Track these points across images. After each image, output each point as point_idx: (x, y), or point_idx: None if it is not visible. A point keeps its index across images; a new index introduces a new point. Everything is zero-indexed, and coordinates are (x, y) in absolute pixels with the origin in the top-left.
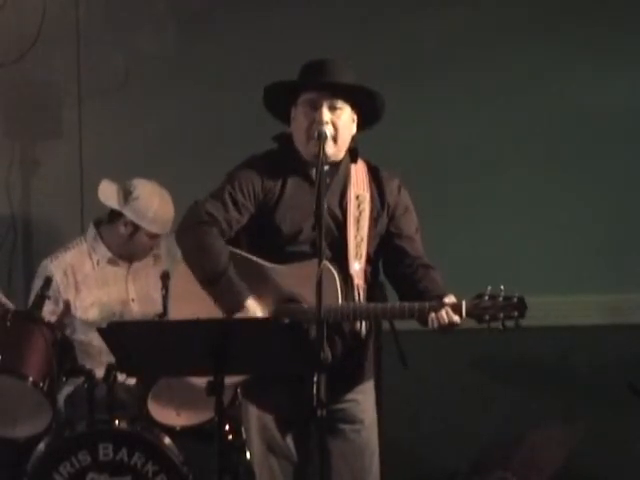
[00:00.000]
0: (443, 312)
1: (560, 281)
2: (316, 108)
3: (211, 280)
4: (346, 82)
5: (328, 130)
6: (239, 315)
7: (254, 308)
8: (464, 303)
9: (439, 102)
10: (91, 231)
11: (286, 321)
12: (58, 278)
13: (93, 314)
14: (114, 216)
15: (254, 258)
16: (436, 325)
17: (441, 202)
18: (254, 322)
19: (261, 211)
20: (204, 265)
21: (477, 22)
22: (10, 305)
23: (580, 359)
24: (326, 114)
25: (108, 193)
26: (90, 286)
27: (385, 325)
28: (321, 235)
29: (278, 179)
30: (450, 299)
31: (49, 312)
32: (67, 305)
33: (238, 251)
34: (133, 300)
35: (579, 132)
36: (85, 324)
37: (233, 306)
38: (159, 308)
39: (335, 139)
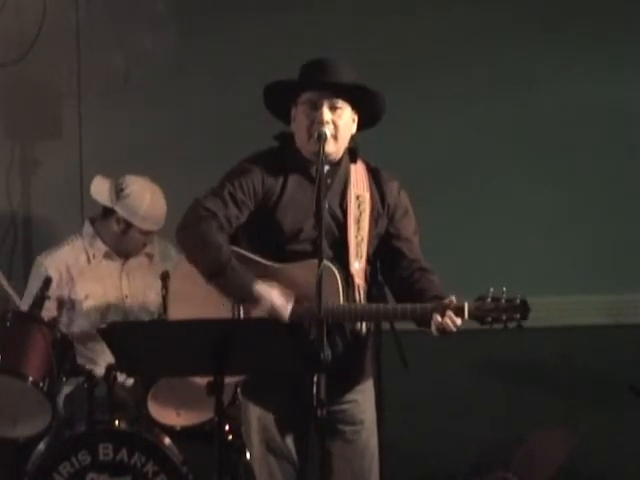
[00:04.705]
0: (447, 319)
1: (560, 281)
2: (317, 108)
3: (216, 273)
4: (347, 81)
5: (328, 130)
6: (255, 299)
7: (266, 292)
8: (466, 305)
9: (438, 102)
10: (87, 228)
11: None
12: (51, 274)
13: (88, 306)
14: (107, 212)
15: (254, 257)
16: (440, 331)
17: (440, 202)
18: (254, 322)
19: (261, 209)
20: (207, 259)
21: (477, 22)
22: (14, 296)
23: (580, 359)
24: (327, 114)
25: (100, 190)
26: (86, 279)
27: (385, 325)
28: (322, 235)
29: (279, 177)
30: (453, 301)
31: (44, 308)
32: (60, 301)
33: (238, 249)
34: (127, 297)
35: (579, 132)
36: (82, 318)
37: (243, 295)
38: (154, 308)
39: (335, 137)
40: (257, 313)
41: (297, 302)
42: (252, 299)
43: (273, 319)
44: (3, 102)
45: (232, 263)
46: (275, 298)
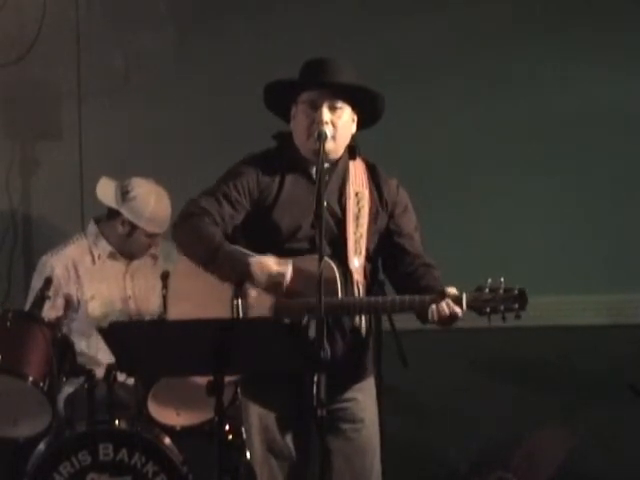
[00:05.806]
0: (444, 304)
1: (560, 281)
2: (316, 107)
3: (210, 258)
4: (347, 82)
5: (328, 130)
6: (252, 270)
7: (260, 261)
8: (465, 295)
9: (438, 102)
10: (92, 227)
11: (286, 321)
12: (59, 272)
13: (93, 307)
14: (112, 214)
15: (253, 254)
16: (436, 317)
17: (440, 202)
18: (254, 322)
19: (258, 208)
20: (199, 247)
21: (477, 22)
22: None
23: (580, 359)
24: (326, 114)
25: (106, 191)
26: (91, 279)
27: (385, 324)
28: (321, 235)
29: (276, 176)
30: (451, 290)
31: (49, 307)
32: (68, 299)
33: (237, 247)
34: (130, 297)
35: (579, 132)
36: (87, 318)
37: (240, 271)
38: (156, 309)
39: (334, 138)
40: (257, 284)
41: (293, 296)
42: (248, 271)
43: (275, 318)
44: (3, 102)
45: (224, 245)
46: (272, 264)
